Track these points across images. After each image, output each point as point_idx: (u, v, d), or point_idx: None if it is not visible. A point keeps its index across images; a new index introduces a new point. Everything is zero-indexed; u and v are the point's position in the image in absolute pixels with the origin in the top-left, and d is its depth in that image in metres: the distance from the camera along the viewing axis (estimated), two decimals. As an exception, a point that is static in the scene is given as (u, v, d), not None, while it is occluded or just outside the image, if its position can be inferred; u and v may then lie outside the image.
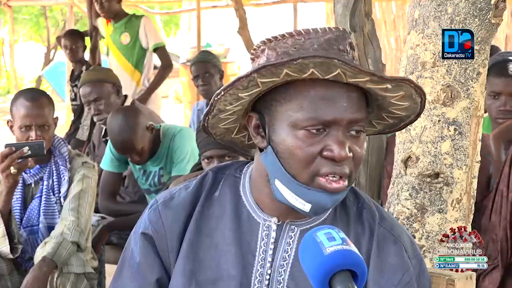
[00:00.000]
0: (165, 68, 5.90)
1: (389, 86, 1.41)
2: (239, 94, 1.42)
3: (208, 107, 1.47)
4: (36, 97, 3.24)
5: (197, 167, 3.20)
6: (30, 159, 3.10)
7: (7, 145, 3.02)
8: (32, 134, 3.15)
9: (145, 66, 5.89)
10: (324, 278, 1.12)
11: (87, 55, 6.68)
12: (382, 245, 1.49)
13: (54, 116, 3.28)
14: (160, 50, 5.87)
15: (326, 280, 1.12)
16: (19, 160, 3.00)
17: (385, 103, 1.47)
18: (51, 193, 3.24)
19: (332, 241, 1.15)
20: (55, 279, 3.08)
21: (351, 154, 1.40)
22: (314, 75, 1.37)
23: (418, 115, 1.51)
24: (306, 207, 1.42)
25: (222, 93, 1.42)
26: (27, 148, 3.00)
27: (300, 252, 1.19)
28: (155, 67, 6.28)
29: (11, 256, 3.10)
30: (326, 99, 1.39)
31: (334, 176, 1.40)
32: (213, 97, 1.45)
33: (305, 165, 1.40)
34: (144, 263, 1.53)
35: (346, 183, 1.41)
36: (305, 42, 1.42)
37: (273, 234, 1.50)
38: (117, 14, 5.88)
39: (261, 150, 1.48)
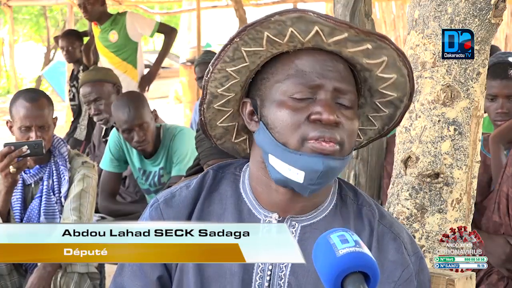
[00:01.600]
0: (170, 34, 5.86)
1: (369, 46, 1.42)
2: (227, 69, 1.45)
3: (202, 94, 1.49)
4: (36, 98, 3.23)
5: (192, 170, 3.18)
6: (29, 158, 3.11)
7: (6, 144, 3.02)
8: (32, 134, 3.15)
9: (139, 60, 5.86)
10: (336, 280, 1.12)
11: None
12: (381, 242, 1.50)
13: (53, 116, 3.28)
14: (160, 28, 5.85)
15: (338, 282, 1.12)
16: (18, 159, 3.00)
17: (373, 81, 1.49)
18: (51, 193, 3.24)
19: (345, 243, 1.15)
20: (58, 278, 3.10)
21: (339, 119, 1.41)
22: (294, 37, 1.40)
23: (411, 97, 1.51)
24: (299, 176, 1.42)
25: (211, 69, 1.45)
26: (26, 147, 3.00)
27: (314, 254, 1.19)
28: (146, 66, 6.26)
29: (10, 256, 3.10)
30: (311, 66, 1.43)
31: (324, 140, 1.41)
32: (203, 78, 1.48)
33: (293, 130, 1.42)
34: None
35: (337, 147, 1.42)
36: None
37: None
38: (102, 16, 5.81)
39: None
